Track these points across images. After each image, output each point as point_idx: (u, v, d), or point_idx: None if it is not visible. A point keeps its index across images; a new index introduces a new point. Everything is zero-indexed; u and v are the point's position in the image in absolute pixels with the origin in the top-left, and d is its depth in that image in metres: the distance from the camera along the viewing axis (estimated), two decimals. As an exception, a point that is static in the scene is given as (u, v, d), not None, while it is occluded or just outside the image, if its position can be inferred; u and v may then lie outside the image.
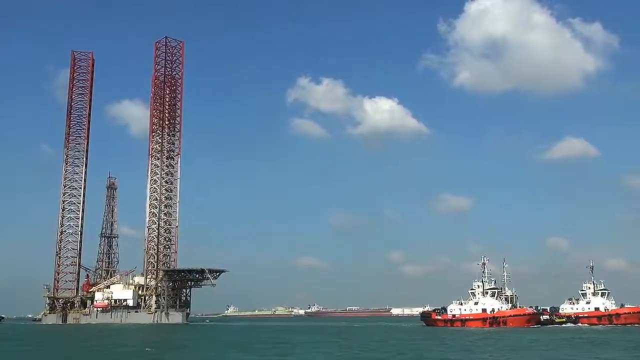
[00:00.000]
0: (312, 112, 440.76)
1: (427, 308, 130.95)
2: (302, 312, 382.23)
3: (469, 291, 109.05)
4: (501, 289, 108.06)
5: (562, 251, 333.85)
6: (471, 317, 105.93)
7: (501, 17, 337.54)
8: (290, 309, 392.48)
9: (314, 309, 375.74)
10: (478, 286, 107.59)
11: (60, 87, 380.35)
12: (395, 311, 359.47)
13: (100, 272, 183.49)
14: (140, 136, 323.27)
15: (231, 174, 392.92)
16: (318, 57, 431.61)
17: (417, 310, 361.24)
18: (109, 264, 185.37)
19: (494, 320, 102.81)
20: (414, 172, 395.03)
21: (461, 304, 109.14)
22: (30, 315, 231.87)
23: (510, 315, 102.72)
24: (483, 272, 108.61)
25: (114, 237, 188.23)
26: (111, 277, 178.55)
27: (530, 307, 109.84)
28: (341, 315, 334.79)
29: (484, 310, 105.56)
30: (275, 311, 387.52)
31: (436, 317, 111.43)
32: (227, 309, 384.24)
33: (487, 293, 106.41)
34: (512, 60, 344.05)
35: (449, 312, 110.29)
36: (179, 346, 66.90)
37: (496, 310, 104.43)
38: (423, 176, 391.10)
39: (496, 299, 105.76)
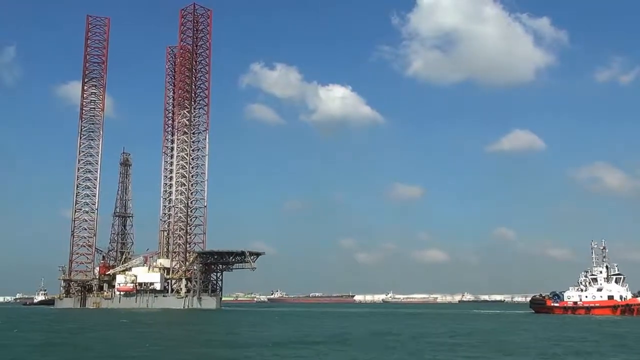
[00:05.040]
0: (266, 98, 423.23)
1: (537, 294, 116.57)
2: (263, 297, 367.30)
3: (589, 277, 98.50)
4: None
5: (507, 241, 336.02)
6: (597, 305, 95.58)
7: (453, 10, 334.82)
8: (251, 295, 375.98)
9: (276, 295, 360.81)
10: (600, 272, 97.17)
11: (4, 65, 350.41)
12: (358, 298, 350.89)
13: (113, 253, 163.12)
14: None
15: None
16: (271, 43, 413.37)
17: (378, 297, 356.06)
18: (122, 245, 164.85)
19: (627, 308, 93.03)
20: (367, 160, 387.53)
21: (581, 290, 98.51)
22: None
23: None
24: (604, 257, 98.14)
25: (129, 217, 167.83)
26: (125, 259, 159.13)
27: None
28: (305, 301, 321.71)
29: (610, 297, 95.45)
30: (237, 297, 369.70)
31: (552, 304, 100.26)
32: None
33: (611, 279, 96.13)
34: (465, 53, 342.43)
35: (566, 298, 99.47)
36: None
37: (624, 297, 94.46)
38: (375, 164, 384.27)
39: (621, 285, 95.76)
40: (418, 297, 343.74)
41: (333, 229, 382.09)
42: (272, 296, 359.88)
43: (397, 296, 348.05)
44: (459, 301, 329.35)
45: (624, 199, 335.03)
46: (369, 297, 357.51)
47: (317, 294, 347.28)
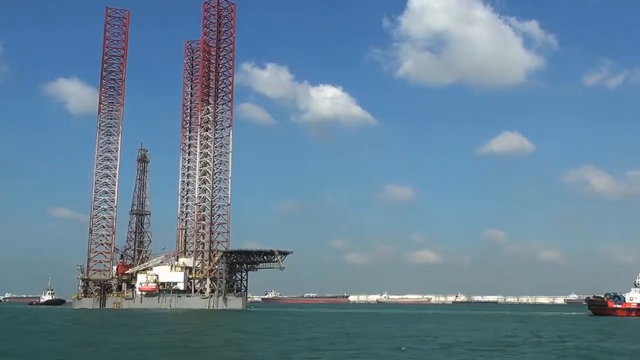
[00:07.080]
0: (257, 97, 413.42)
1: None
2: (257, 297, 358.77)
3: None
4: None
5: (498, 243, 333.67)
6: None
7: (443, 13, 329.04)
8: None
9: (270, 295, 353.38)
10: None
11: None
12: (352, 298, 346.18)
13: (130, 252, 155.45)
14: (83, 114, 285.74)
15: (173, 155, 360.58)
16: (262, 43, 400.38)
17: (372, 298, 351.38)
18: (140, 244, 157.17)
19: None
20: (358, 161, 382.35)
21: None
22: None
23: None
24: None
25: (146, 215, 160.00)
26: (143, 258, 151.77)
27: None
28: (300, 302, 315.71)
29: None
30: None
31: (614, 305, 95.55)
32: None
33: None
34: (455, 55, 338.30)
35: (628, 300, 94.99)
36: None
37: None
38: (367, 165, 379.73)
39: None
40: (412, 297, 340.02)
41: (326, 230, 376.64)
42: (266, 296, 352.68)
43: (391, 297, 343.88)
44: (453, 302, 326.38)
45: (612, 202, 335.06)
46: (362, 298, 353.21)
47: (311, 294, 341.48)
